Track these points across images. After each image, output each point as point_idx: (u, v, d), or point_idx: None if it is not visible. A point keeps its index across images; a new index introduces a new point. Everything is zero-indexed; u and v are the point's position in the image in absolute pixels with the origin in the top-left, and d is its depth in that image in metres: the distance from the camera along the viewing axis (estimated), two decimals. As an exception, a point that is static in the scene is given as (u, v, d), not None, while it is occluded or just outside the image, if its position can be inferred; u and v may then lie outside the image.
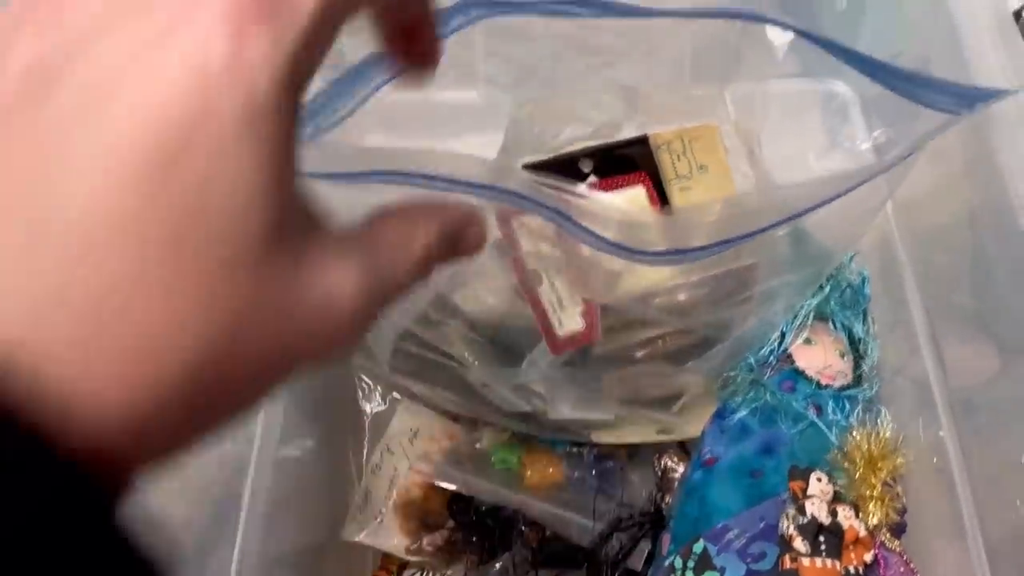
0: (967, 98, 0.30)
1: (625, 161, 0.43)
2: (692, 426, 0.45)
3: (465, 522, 0.43)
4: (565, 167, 0.43)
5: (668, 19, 0.54)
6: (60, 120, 0.12)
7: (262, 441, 0.41)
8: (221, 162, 0.12)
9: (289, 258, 0.14)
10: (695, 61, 0.56)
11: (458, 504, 0.43)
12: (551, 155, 0.42)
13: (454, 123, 0.57)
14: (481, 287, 0.41)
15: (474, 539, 0.43)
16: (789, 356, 0.46)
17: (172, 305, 0.12)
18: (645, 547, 0.45)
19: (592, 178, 0.43)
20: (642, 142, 0.43)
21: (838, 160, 0.54)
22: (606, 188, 0.42)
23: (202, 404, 0.13)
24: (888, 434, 0.42)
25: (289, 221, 0.13)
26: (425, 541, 0.42)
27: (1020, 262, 0.36)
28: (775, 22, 0.37)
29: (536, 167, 0.44)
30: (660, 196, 0.44)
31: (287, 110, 0.13)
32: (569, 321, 0.38)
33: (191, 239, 0.12)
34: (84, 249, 0.12)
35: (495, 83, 0.54)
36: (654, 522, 0.45)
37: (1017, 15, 0.42)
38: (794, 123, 0.57)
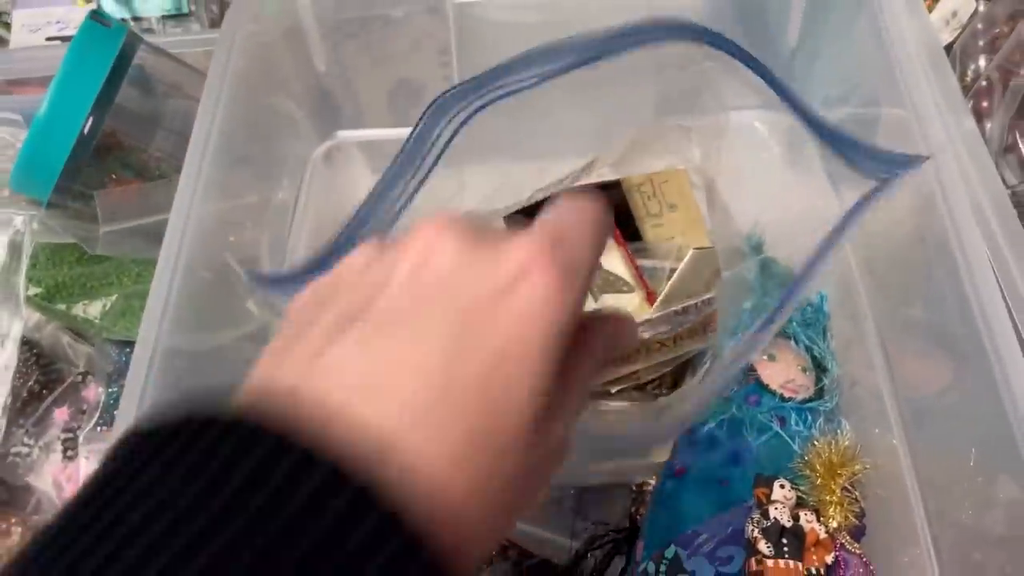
0: (890, 164, 0.33)
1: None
2: (666, 450, 0.47)
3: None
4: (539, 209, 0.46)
5: (633, 54, 0.58)
6: (455, 322, 0.19)
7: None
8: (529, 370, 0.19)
9: (545, 426, 0.20)
10: (660, 95, 0.59)
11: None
12: (527, 203, 0.45)
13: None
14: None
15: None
16: (754, 371, 0.48)
17: (501, 448, 0.19)
18: (619, 563, 0.47)
19: None
20: (615, 185, 0.46)
21: (796, 186, 0.57)
22: None
23: (509, 504, 0.19)
24: (847, 443, 0.45)
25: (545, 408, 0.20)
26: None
27: (959, 281, 0.38)
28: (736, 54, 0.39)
29: (514, 216, 0.47)
30: (627, 234, 0.47)
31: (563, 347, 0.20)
32: None
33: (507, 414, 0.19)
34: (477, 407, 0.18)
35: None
36: (628, 536, 0.47)
37: (948, 48, 0.46)
38: (755, 151, 0.60)
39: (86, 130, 0.46)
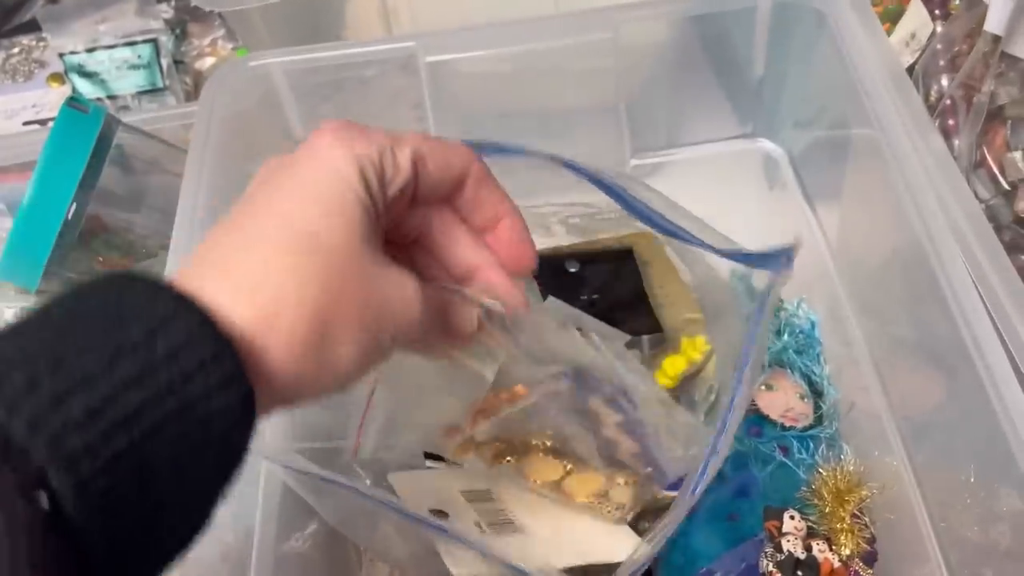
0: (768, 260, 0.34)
1: (609, 269, 0.47)
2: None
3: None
4: (551, 263, 0.46)
5: (604, 94, 0.58)
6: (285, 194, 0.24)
7: (262, 534, 0.43)
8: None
9: (374, 259, 0.24)
10: (633, 133, 0.60)
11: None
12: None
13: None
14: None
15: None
16: (753, 402, 0.49)
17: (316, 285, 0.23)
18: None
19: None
20: (628, 252, 0.47)
21: (773, 210, 0.58)
22: None
23: (322, 344, 0.23)
24: (852, 468, 0.45)
25: (373, 244, 0.24)
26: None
27: (942, 298, 0.39)
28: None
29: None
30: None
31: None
32: None
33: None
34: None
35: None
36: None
37: (910, 70, 0.47)
38: (733, 178, 0.61)
39: (70, 216, 0.47)
